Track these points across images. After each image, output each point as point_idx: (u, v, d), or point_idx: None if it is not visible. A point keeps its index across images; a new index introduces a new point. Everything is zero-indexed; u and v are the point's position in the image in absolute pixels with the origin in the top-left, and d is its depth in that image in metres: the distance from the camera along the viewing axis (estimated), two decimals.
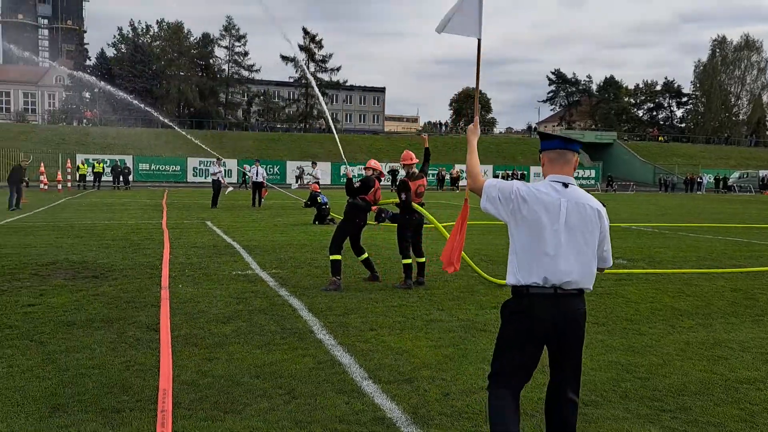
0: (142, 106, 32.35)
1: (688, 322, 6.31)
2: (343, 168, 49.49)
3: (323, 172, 51.49)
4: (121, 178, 36.09)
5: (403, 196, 7.85)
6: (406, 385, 4.34)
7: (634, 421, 3.83)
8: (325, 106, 16.02)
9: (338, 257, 7.57)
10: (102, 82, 46.68)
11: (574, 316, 3.00)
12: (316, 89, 10.81)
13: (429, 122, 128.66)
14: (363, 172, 8.14)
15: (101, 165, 36.52)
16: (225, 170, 23.09)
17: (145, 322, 5.82)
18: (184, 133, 37.77)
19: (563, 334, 3.00)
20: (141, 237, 12.46)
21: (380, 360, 4.84)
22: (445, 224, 14.31)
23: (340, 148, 10.20)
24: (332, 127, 10.97)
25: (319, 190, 16.93)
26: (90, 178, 36.38)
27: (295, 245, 11.58)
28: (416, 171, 8.09)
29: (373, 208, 8.10)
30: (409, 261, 7.81)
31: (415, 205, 7.84)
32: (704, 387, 4.44)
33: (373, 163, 8.26)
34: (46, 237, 12.22)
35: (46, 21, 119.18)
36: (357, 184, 7.92)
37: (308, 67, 71.40)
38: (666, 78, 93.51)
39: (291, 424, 3.66)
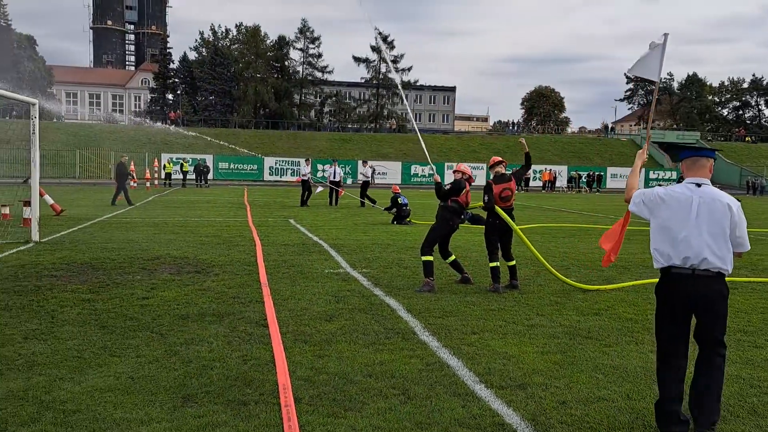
0: None
1: None
2: (427, 169, 49.54)
3: (392, 171, 52.08)
4: (201, 177, 37.57)
5: (486, 198, 7.80)
6: (519, 391, 4.31)
7: None
8: (408, 107, 15.94)
9: (430, 258, 7.60)
10: None
11: (709, 295, 3.62)
12: (401, 91, 10.82)
13: (499, 121, 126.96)
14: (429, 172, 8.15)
15: (187, 164, 38.26)
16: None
17: (252, 317, 6.04)
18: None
19: (699, 310, 3.65)
20: (232, 234, 12.92)
21: (488, 364, 4.83)
22: (522, 227, 14.08)
23: (426, 151, 10.19)
24: (416, 128, 11.01)
25: (399, 191, 17.00)
26: (178, 176, 38.13)
27: (379, 245, 11.71)
28: (504, 173, 8.00)
29: None
30: (494, 264, 7.73)
31: (497, 209, 7.74)
32: None
33: (462, 167, 8.24)
34: (146, 232, 12.89)
35: (132, 26, 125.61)
36: (447, 188, 7.93)
37: (380, 68, 71.98)
38: (753, 75, 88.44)
39: (412, 425, 3.71)
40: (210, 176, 45.66)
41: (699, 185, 3.73)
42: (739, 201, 3.81)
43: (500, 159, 8.02)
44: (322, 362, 4.79)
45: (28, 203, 13.93)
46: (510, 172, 8.24)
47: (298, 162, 51.61)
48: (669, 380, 3.67)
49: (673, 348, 3.69)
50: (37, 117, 11.04)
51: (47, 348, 4.96)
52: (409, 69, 73.16)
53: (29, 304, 6.40)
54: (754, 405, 4.18)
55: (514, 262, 7.98)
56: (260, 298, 6.86)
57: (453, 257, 8.15)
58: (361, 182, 22.89)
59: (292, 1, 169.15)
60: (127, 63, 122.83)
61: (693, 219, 3.65)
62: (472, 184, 8.18)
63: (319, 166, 46.31)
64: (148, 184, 34.47)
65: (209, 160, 47.96)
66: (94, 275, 8.01)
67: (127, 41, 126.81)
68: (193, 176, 38.14)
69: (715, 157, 3.85)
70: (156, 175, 37.96)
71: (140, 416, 3.75)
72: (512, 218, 7.84)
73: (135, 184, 33.79)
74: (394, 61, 72.10)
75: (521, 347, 5.31)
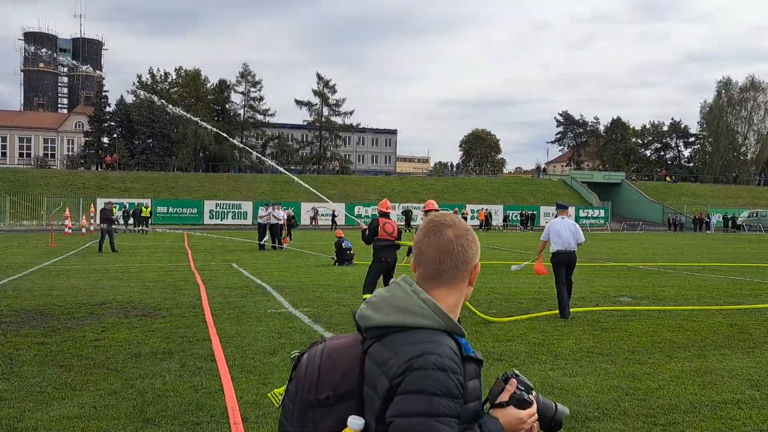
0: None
1: (685, 353, 7.01)
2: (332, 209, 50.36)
3: (339, 212, 52.85)
4: (138, 222, 37.47)
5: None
6: None
7: None
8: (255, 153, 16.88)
9: (369, 296, 8.33)
10: None
11: (573, 259, 9.46)
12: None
13: (439, 162, 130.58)
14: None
15: (149, 209, 37.93)
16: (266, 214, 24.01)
17: (201, 354, 6.61)
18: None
19: (568, 266, 9.40)
20: (176, 279, 13.31)
21: None
22: None
23: (314, 190, 11.09)
24: (262, 161, 11.93)
25: (342, 235, 17.65)
26: (130, 221, 38.06)
27: (320, 285, 12.38)
28: None
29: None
30: None
31: None
32: (693, 407, 5.14)
33: (381, 203, 9.09)
34: (88, 279, 13.11)
35: (65, 69, 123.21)
36: (366, 231, 8.71)
37: (322, 111, 73.44)
38: (672, 119, 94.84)
39: None
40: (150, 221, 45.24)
41: (563, 218, 9.57)
42: (577, 223, 10.11)
43: (434, 207, 8.86)
44: (266, 389, 5.42)
45: None
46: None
47: (240, 205, 51.82)
48: (563, 294, 9.22)
49: (561, 285, 9.21)
50: None
51: (11, 386, 5.40)
52: (351, 112, 75.00)
53: None
54: (625, 408, 5.08)
55: None
56: (207, 337, 7.42)
57: None
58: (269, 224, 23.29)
59: (233, 46, 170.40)
60: (59, 106, 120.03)
61: (564, 230, 9.37)
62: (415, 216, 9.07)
63: (260, 209, 46.64)
64: (83, 230, 33.94)
65: (147, 204, 47.52)
66: (43, 320, 8.35)
67: (60, 84, 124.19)
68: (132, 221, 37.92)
69: (567, 208, 10.07)
70: (92, 221, 37.26)
71: None
72: None
73: (70, 230, 33.20)
74: (337, 105, 73.79)
75: None
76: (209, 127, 24.40)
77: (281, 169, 12.23)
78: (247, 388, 5.44)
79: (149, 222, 37.15)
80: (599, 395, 5.38)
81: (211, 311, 9.17)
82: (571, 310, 9.57)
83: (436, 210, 8.80)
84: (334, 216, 46.27)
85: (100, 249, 20.77)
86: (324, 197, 11.24)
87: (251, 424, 4.58)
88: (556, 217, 9.76)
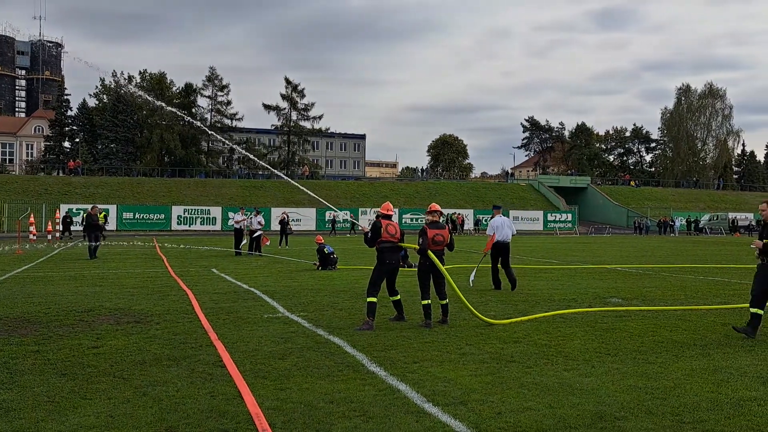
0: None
1: (690, 352, 7.10)
2: (329, 214, 50.00)
3: (307, 217, 52.49)
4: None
5: (420, 240, 8.60)
6: (461, 406, 5.01)
7: None
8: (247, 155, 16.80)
9: (373, 300, 8.23)
10: None
11: (508, 247, 12.77)
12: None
13: (407, 167, 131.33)
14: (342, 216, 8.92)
15: (102, 215, 36.53)
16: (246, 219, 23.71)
17: (208, 360, 6.41)
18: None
19: (505, 252, 12.66)
20: (159, 285, 12.96)
21: (432, 387, 5.52)
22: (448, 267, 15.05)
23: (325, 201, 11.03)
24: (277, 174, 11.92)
25: (323, 241, 17.44)
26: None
27: (310, 290, 12.21)
28: (437, 220, 8.84)
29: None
30: (425, 302, 8.50)
31: (429, 252, 8.54)
32: (715, 404, 5.19)
33: (384, 205, 8.98)
34: (67, 286, 12.67)
35: (23, 72, 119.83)
36: (369, 234, 8.56)
37: (291, 116, 72.94)
38: (634, 124, 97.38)
39: None
40: (113, 227, 44.19)
41: (502, 216, 12.86)
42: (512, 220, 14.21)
43: (438, 208, 8.82)
44: (285, 394, 5.28)
45: None
46: (444, 221, 9.09)
47: (209, 210, 50.98)
48: (497, 275, 12.59)
49: (496, 265, 12.59)
50: None
51: (16, 396, 5.13)
52: (320, 117, 74.71)
53: None
54: (649, 407, 5.10)
55: (446, 301, 8.72)
56: (209, 342, 7.21)
57: (398, 297, 8.79)
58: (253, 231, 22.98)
59: (198, 50, 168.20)
60: (17, 110, 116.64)
61: (505, 226, 12.68)
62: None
63: (230, 214, 45.95)
64: (49, 236, 32.91)
65: (112, 210, 46.45)
66: (32, 328, 8.01)
67: (17, 87, 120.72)
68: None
69: (501, 209, 13.34)
70: (58, 227, 36.15)
71: None
72: (442, 261, 8.65)
73: (35, 237, 32.10)
74: (305, 110, 73.38)
75: (457, 372, 6.04)
76: (201, 125, 24.02)
77: (286, 177, 12.29)
78: (266, 393, 5.28)
79: (104, 228, 35.74)
80: (620, 395, 5.40)
81: (206, 317, 8.93)
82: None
83: (440, 211, 8.77)
84: (334, 222, 47.18)
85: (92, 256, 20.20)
86: (329, 205, 11.27)
87: (278, 431, 4.44)
88: (493, 216, 13.00)
